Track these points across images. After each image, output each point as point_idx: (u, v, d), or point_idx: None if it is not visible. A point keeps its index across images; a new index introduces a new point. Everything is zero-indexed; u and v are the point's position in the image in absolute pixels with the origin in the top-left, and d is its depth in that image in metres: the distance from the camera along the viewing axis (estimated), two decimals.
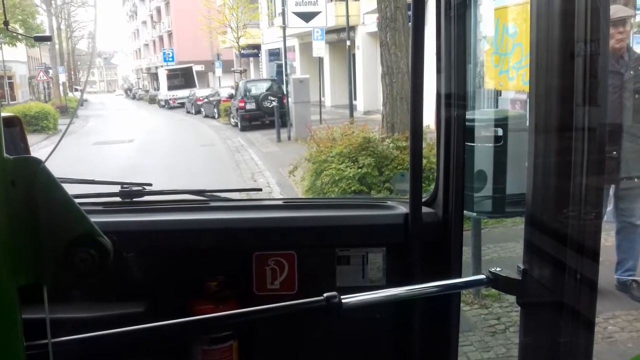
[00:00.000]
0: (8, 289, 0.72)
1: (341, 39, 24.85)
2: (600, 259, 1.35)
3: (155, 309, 1.80)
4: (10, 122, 2.71)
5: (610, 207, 4.53)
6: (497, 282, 1.44)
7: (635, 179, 4.53)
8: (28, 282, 0.75)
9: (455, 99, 1.80)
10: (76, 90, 53.61)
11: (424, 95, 1.73)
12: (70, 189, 0.82)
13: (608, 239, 4.72)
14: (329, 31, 23.46)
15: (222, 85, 35.00)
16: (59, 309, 0.88)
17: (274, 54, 35.37)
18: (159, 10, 63.97)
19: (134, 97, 65.91)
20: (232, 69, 38.05)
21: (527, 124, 1.36)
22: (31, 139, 2.74)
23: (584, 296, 1.31)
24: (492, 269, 1.45)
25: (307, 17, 17.31)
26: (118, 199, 2.18)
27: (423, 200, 1.90)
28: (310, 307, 1.41)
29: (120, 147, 18.06)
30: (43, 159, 0.79)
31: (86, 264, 0.78)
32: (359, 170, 7.31)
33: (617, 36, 4.17)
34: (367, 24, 23.76)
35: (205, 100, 31.25)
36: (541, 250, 1.36)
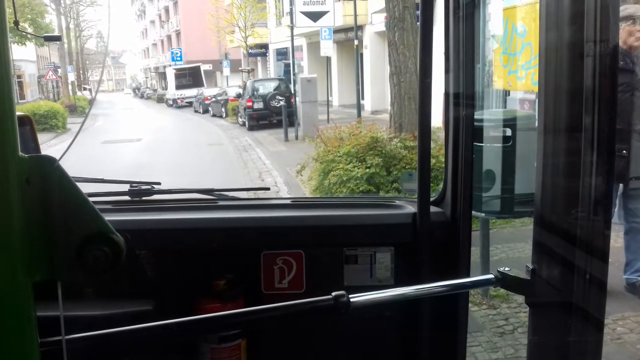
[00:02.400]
0: (23, 286, 0.73)
1: (349, 38, 24.84)
2: (609, 259, 1.34)
3: (163, 308, 1.81)
4: (20, 121, 2.72)
5: (617, 208, 4.50)
6: (505, 281, 1.44)
7: None
8: (43, 278, 0.76)
9: (464, 98, 1.80)
10: (85, 89, 53.86)
11: (432, 95, 1.73)
12: (80, 188, 0.83)
13: (617, 239, 4.69)
14: (337, 30, 23.45)
15: (230, 85, 35.08)
16: (69, 307, 0.89)
17: (281, 54, 35.40)
18: (167, 10, 64.18)
19: (142, 96, 66.18)
20: (240, 68, 38.15)
21: (536, 124, 1.36)
22: (40, 137, 2.75)
23: (593, 296, 1.31)
24: (501, 269, 1.45)
25: (315, 16, 17.32)
26: (127, 197, 2.20)
27: (431, 199, 1.90)
28: (318, 306, 1.41)
29: (129, 146, 18.14)
30: (51, 156, 0.80)
31: (100, 261, 0.78)
32: (367, 170, 7.30)
33: (636, 34, 4.14)
34: (375, 23, 23.72)
35: (213, 99, 31.32)
36: (550, 250, 1.36)
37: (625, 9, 4.23)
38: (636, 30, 4.14)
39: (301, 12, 17.26)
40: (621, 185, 4.32)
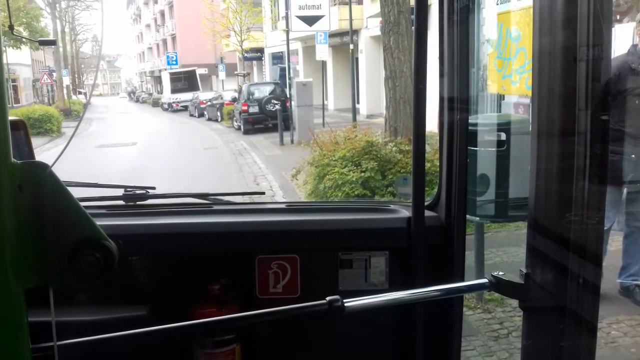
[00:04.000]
0: (15, 292, 0.73)
1: (344, 42, 24.89)
2: (604, 263, 1.35)
3: (158, 313, 1.80)
4: (14, 125, 2.70)
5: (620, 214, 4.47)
6: (499, 286, 1.44)
7: None
8: (34, 284, 0.76)
9: (458, 102, 1.80)
10: (80, 93, 53.76)
11: (427, 99, 1.74)
12: (74, 193, 0.83)
13: (612, 243, 4.71)
14: (332, 35, 23.48)
15: (226, 89, 35.13)
16: (62, 312, 0.89)
17: (277, 58, 35.45)
18: (162, 14, 64.19)
19: (137, 100, 66.13)
20: (236, 72, 38.12)
21: (530, 128, 1.36)
22: (35, 141, 2.74)
23: (587, 300, 1.31)
24: (495, 273, 1.45)
25: (310, 20, 17.36)
26: (121, 202, 2.19)
27: (426, 204, 1.90)
28: (312, 310, 1.41)
29: (124, 150, 18.10)
30: (47, 162, 0.80)
31: (91, 267, 0.78)
32: (362, 174, 7.31)
33: None
34: (370, 27, 23.79)
35: (209, 103, 31.32)
36: (544, 255, 1.36)
37: None
38: None
39: (297, 16, 17.30)
40: (625, 189, 4.31)
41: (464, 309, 2.54)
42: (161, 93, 50.14)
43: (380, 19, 10.80)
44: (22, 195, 0.73)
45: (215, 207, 2.22)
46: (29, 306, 0.77)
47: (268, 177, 12.15)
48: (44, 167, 0.76)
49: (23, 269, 0.74)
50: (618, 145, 3.94)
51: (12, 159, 0.73)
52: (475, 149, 3.42)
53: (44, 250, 0.76)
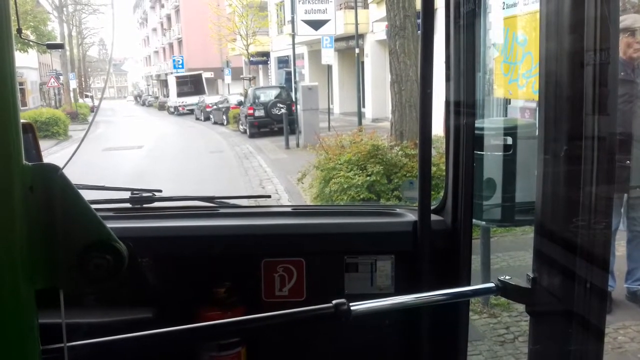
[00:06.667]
0: (25, 293, 0.74)
1: (350, 46, 24.92)
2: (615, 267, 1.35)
3: (164, 315, 1.81)
4: (22, 128, 2.72)
5: (622, 217, 4.49)
6: (506, 290, 1.44)
7: None
8: (45, 286, 0.76)
9: (465, 107, 1.80)
10: (86, 96, 54.00)
11: (433, 103, 1.74)
12: (83, 196, 0.84)
13: (618, 248, 4.69)
14: (338, 39, 23.52)
15: (231, 92, 35.24)
16: (70, 314, 0.89)
17: (283, 62, 35.53)
18: (169, 18, 64.45)
19: (143, 104, 66.41)
20: (241, 76, 38.24)
21: (537, 132, 1.36)
22: (42, 144, 2.76)
23: (594, 305, 1.31)
24: (501, 277, 1.45)
25: (316, 25, 17.39)
26: (128, 205, 2.20)
27: (432, 208, 1.90)
28: (318, 314, 1.41)
29: (130, 153, 18.15)
30: (54, 164, 0.81)
31: (102, 269, 0.79)
32: (368, 177, 7.31)
33: (635, 45, 4.15)
34: (376, 32, 23.81)
35: (214, 107, 31.41)
36: (551, 259, 1.36)
37: (622, 21, 4.25)
38: (635, 42, 4.15)
39: (302, 20, 17.33)
40: (625, 194, 4.32)
41: (470, 313, 2.53)
42: (167, 96, 50.35)
43: (386, 23, 10.82)
44: (33, 197, 0.74)
45: (221, 210, 2.22)
46: (38, 307, 0.77)
47: (274, 181, 12.16)
48: (54, 170, 0.77)
49: (33, 270, 0.75)
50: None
51: (24, 161, 0.74)
52: (482, 153, 3.41)
53: (55, 252, 0.77)
